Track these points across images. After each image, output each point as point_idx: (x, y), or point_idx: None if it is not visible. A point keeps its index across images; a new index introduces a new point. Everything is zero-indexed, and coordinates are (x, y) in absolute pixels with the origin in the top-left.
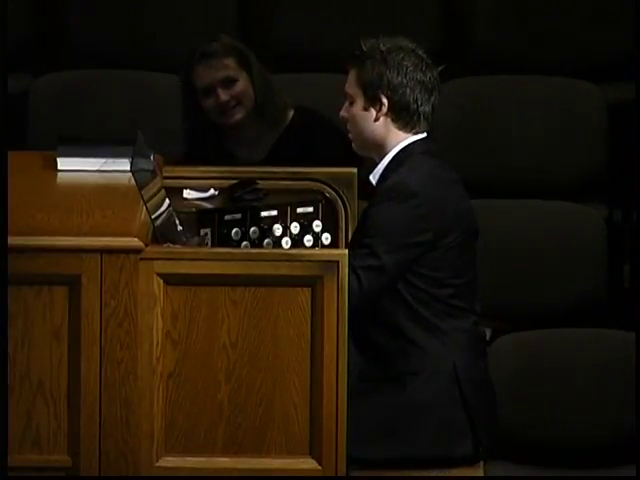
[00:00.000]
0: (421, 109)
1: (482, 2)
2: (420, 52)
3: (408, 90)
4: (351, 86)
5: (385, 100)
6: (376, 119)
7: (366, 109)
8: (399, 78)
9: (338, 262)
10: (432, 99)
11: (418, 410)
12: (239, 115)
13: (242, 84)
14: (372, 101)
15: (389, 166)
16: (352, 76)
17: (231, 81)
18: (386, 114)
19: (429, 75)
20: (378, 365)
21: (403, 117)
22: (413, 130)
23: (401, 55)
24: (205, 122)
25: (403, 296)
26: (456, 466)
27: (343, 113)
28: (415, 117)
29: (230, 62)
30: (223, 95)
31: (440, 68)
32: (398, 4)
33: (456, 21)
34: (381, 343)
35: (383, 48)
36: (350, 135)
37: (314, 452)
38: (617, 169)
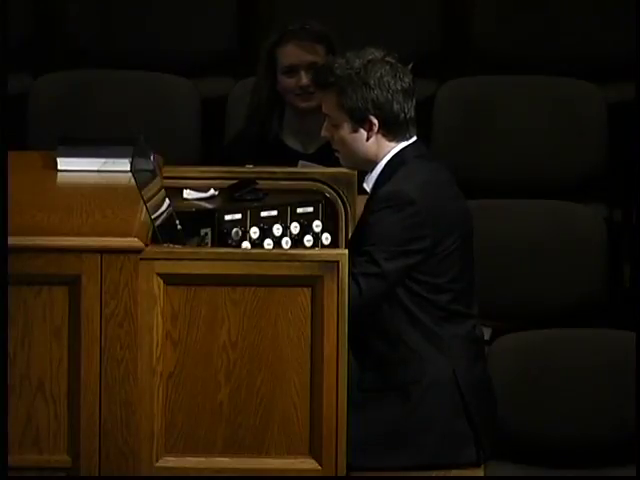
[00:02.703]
0: (408, 116)
1: (482, 2)
2: (389, 58)
3: (395, 103)
4: (332, 110)
5: (375, 120)
6: (368, 138)
7: (355, 131)
8: (384, 94)
9: (338, 262)
10: (414, 101)
11: (420, 420)
12: (314, 102)
13: None
14: (361, 123)
15: (383, 173)
16: (331, 100)
17: None
18: (378, 131)
19: (407, 80)
20: (377, 374)
21: (395, 130)
22: (404, 138)
23: (378, 70)
24: (272, 103)
25: (403, 303)
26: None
27: (326, 133)
28: (404, 126)
29: (320, 49)
30: (305, 78)
31: (410, 66)
32: (398, 4)
33: (456, 21)
34: (380, 351)
35: (357, 68)
36: (338, 154)
37: (314, 452)
38: (617, 169)
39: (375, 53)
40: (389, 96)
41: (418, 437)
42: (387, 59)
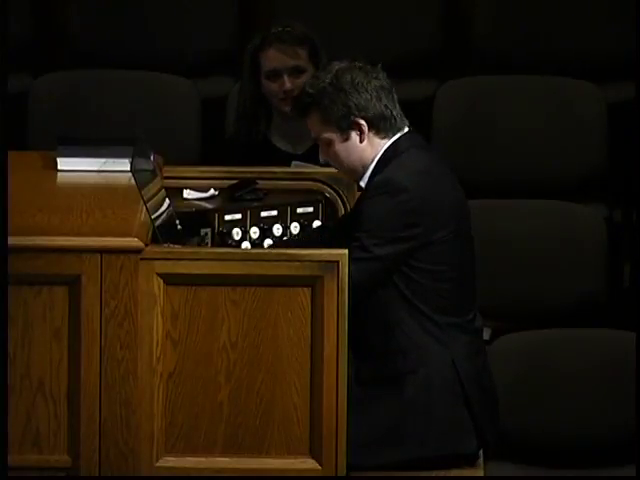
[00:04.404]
0: (394, 112)
1: (482, 2)
2: (357, 63)
3: (375, 101)
4: (319, 130)
5: (362, 121)
6: (361, 140)
7: (346, 139)
8: (362, 95)
9: (338, 262)
10: (395, 97)
11: (420, 411)
12: None
13: (308, 76)
14: (350, 129)
15: (377, 166)
16: (315, 121)
17: (299, 71)
18: (368, 132)
19: (380, 77)
20: (375, 365)
21: (384, 127)
22: (396, 132)
23: (348, 75)
24: (259, 105)
25: (401, 292)
26: (459, 464)
27: (324, 158)
28: (392, 121)
29: (302, 52)
30: (288, 82)
31: (379, 66)
32: (398, 4)
33: (456, 21)
34: (378, 341)
35: (329, 80)
36: (341, 170)
37: (314, 452)
38: (617, 169)
39: (341, 64)
40: (367, 96)
41: (419, 430)
42: (356, 64)
